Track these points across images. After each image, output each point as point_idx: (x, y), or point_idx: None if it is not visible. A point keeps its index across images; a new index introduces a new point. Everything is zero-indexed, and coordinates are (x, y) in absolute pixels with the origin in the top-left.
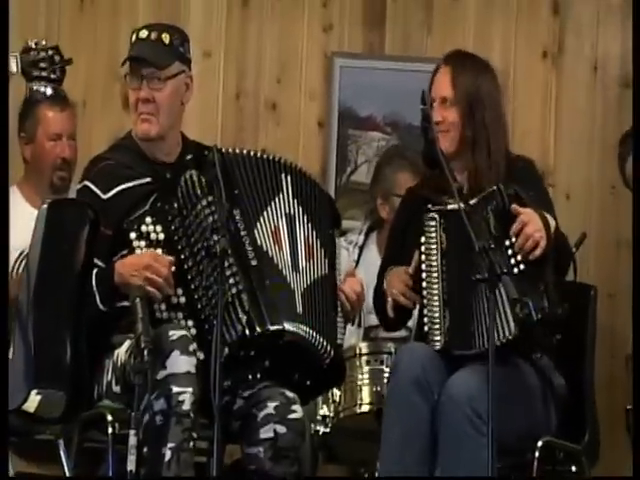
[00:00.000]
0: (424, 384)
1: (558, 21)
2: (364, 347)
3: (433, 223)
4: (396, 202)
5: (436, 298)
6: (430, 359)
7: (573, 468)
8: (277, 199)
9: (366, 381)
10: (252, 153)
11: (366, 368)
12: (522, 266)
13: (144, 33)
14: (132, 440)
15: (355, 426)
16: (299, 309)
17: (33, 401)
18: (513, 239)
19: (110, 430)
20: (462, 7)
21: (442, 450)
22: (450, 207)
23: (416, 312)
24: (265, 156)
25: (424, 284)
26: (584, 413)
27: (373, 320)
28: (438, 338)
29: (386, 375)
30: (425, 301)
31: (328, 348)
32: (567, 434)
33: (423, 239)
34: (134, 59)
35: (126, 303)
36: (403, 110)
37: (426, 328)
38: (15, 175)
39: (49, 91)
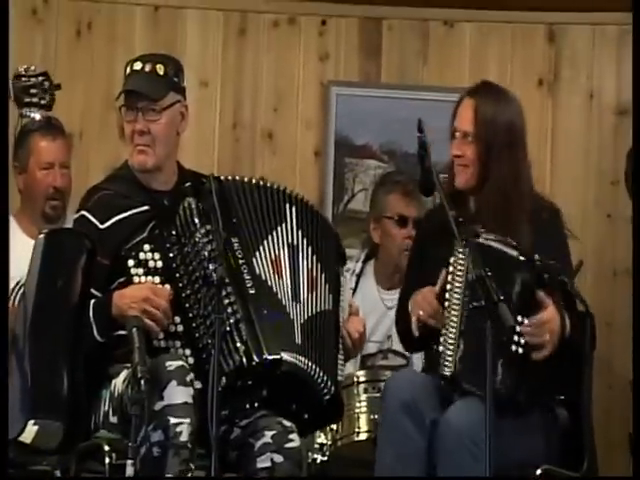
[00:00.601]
0: (413, 407)
1: (554, 49)
2: (361, 375)
3: (463, 251)
4: (387, 225)
5: (454, 325)
6: (418, 383)
7: None
8: (279, 228)
9: (364, 409)
10: (253, 181)
11: (363, 396)
12: (520, 350)
13: (138, 65)
14: (129, 470)
15: (353, 454)
16: (297, 340)
17: (30, 432)
18: (525, 321)
19: (107, 460)
20: (458, 36)
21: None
22: (482, 240)
23: None
24: (268, 184)
25: (445, 307)
26: (582, 441)
27: (370, 348)
28: (449, 365)
29: None
30: (444, 325)
31: (328, 383)
32: (565, 462)
33: (452, 263)
34: (129, 92)
35: (123, 332)
36: (399, 138)
37: (440, 351)
38: (14, 205)
39: (38, 116)
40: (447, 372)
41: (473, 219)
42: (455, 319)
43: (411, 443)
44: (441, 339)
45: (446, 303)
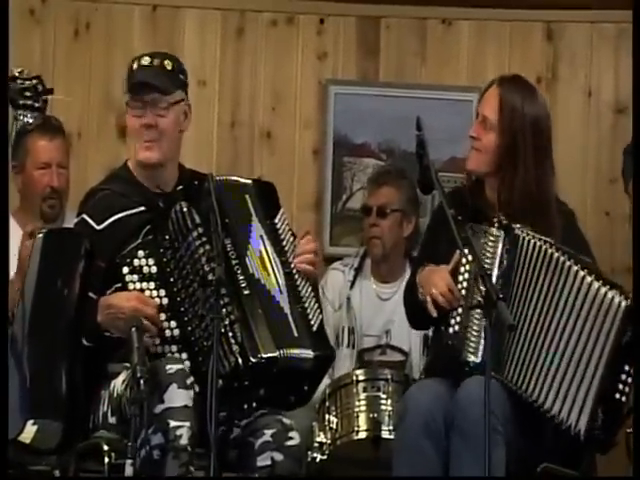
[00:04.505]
0: (433, 427)
1: (552, 48)
2: (360, 374)
3: (495, 236)
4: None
5: (480, 317)
6: (437, 398)
7: None
8: (252, 222)
9: (363, 408)
10: (234, 179)
11: (363, 395)
12: (624, 399)
13: (146, 60)
14: (128, 470)
15: (352, 453)
16: (291, 333)
17: (29, 432)
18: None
19: (106, 460)
20: (456, 34)
21: (455, 447)
22: (517, 231)
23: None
24: (236, 179)
25: (466, 293)
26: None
27: (367, 342)
28: (475, 352)
29: (382, 402)
30: (467, 312)
31: (319, 358)
32: (564, 460)
33: (479, 247)
34: (139, 85)
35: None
36: (398, 137)
37: (467, 342)
38: (13, 204)
39: (31, 120)
40: (472, 359)
41: (493, 208)
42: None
43: (429, 464)
44: (465, 326)
45: (463, 291)
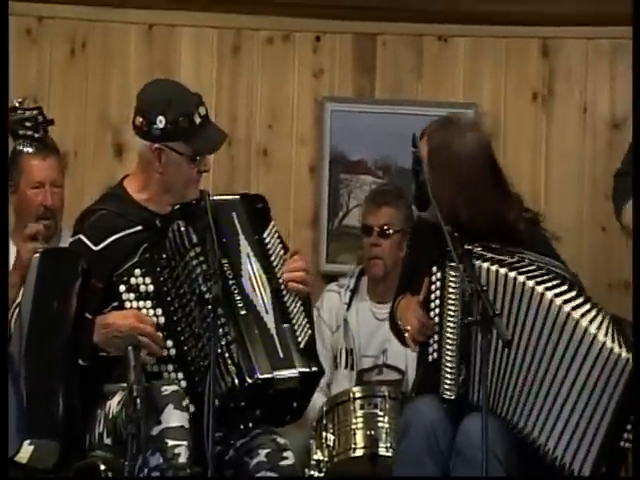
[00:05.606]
0: (434, 444)
1: (547, 63)
2: (358, 391)
3: (455, 273)
4: (362, 236)
5: (454, 349)
6: (438, 415)
7: None
8: (240, 240)
9: (360, 425)
10: (223, 197)
11: (360, 412)
12: (627, 445)
13: (203, 110)
14: None
15: (349, 470)
16: (280, 353)
17: (26, 452)
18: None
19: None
20: (452, 50)
21: None
22: (475, 260)
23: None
24: (224, 197)
25: (443, 331)
26: None
27: (366, 363)
28: (452, 388)
29: (380, 419)
30: (442, 349)
31: (304, 373)
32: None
33: (445, 280)
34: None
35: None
36: (394, 153)
37: (442, 377)
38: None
39: (31, 150)
40: (448, 395)
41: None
42: (454, 342)
43: (428, 475)
44: (441, 364)
45: (445, 327)
